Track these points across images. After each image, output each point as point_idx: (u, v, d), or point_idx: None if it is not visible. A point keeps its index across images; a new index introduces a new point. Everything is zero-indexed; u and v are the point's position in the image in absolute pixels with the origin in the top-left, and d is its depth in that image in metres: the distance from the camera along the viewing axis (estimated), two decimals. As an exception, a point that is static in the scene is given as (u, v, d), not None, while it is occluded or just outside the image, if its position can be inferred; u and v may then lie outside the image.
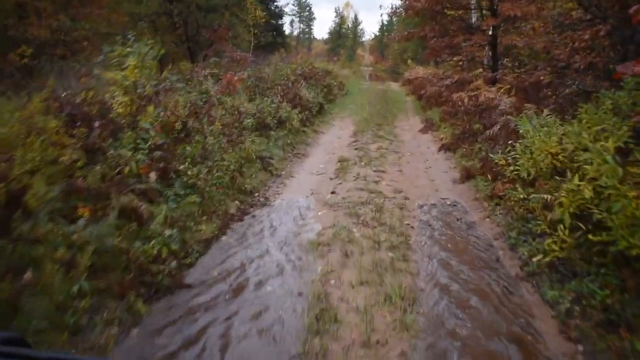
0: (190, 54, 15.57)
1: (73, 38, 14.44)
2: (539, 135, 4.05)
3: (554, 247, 3.56)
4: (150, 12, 13.66)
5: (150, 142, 4.92)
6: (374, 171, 7.04)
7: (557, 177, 3.89)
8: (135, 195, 4.39)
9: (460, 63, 17.00)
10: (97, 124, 4.97)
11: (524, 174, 4.27)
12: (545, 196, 3.81)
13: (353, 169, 7.19)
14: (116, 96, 5.13)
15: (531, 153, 4.05)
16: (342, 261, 4.08)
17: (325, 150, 8.59)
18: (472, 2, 14.67)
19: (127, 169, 4.62)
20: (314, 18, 77.88)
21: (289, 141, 8.61)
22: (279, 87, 11.33)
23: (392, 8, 14.13)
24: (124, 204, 4.04)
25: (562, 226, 3.52)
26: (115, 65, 5.37)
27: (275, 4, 30.47)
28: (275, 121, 8.90)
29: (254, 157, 6.91)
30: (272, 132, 8.45)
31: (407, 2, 13.81)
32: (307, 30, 78.62)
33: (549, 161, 3.83)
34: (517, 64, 18.04)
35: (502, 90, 10.00)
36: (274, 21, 29.55)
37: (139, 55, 5.27)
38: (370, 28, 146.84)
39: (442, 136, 9.50)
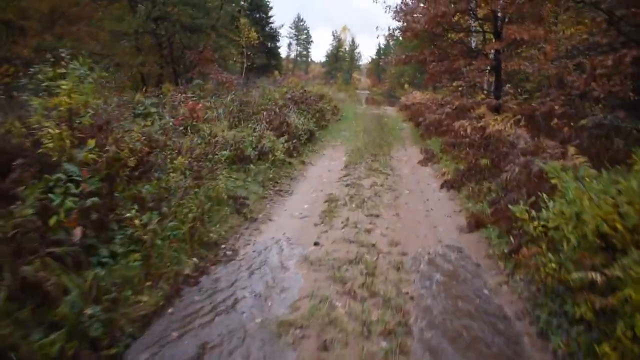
0: (175, 75, 14.70)
1: (57, 57, 13.60)
2: (590, 195, 3.04)
3: (610, 352, 2.56)
4: (132, 30, 12.80)
5: (81, 187, 3.92)
6: (367, 215, 6.03)
7: (608, 249, 2.91)
8: (53, 260, 3.38)
9: (460, 88, 16.26)
10: (19, 162, 3.99)
11: (562, 241, 3.27)
12: (595, 275, 2.81)
13: (342, 211, 6.18)
14: (45, 127, 4.13)
15: (577, 217, 3.04)
16: (319, 357, 3.05)
17: (312, 186, 7.59)
18: (473, 24, 13.96)
19: (52, 221, 3.61)
20: (311, 41, 77.92)
21: (271, 175, 7.61)
22: (265, 113, 10.43)
23: (389, 30, 13.34)
24: (27, 276, 3.03)
25: (622, 324, 2.53)
26: (47, 88, 4.39)
27: (271, 25, 29.80)
28: (257, 152, 7.93)
29: (225, 197, 5.91)
30: (251, 166, 7.46)
31: (406, 24, 13.04)
32: (304, 52, 78.77)
33: (600, 229, 2.84)
34: (519, 90, 17.30)
35: (511, 121, 9.10)
36: (268, 43, 28.94)
37: (77, 78, 4.30)
38: (367, 51, 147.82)
39: (444, 170, 8.55)
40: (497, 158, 7.58)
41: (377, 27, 13.10)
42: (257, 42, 24.77)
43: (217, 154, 6.97)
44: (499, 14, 12.12)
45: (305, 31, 76.11)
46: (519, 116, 9.97)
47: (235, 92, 11.81)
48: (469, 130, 10.62)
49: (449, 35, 13.73)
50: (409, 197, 7.13)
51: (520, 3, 11.54)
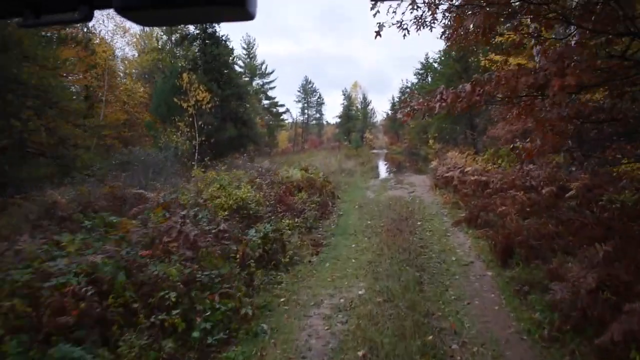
0: None
1: None
2: None
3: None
4: None
5: None
6: None
7: None
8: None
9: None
10: None
11: None
12: None
13: None
14: None
15: None
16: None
17: None
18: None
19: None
20: (322, 103, 70.40)
21: None
22: None
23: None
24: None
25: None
26: None
27: (236, 81, 21.18)
28: None
29: None
30: None
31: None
32: (318, 116, 71.00)
33: None
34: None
35: None
36: (238, 104, 20.13)
37: None
38: (382, 108, 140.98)
39: None
40: None
41: (378, 24, 3.20)
42: (209, 105, 16.17)
43: None
44: None
45: (314, 93, 68.86)
46: None
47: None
48: None
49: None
50: None
51: None
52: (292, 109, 71.30)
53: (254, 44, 50.98)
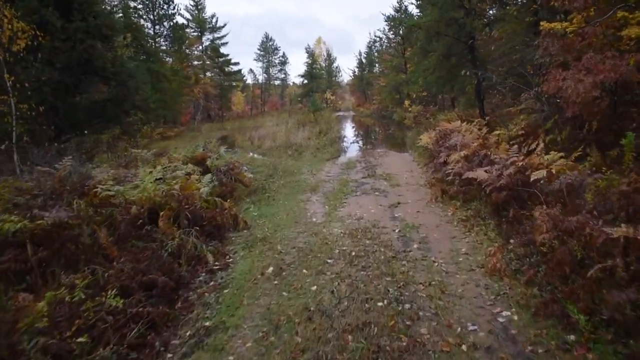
0: None
1: None
2: None
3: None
4: None
5: None
6: None
7: None
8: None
9: None
10: None
11: None
12: None
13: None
14: None
15: None
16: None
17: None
18: None
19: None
20: (285, 62, 61.60)
21: None
22: None
23: None
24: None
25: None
26: None
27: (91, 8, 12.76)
28: None
29: None
30: None
31: None
32: (282, 76, 62.29)
33: None
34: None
35: None
36: (102, 46, 11.72)
37: None
38: (348, 66, 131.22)
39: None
40: None
41: None
42: (21, 43, 8.38)
43: None
44: None
45: (275, 51, 59.96)
46: None
47: None
48: None
49: None
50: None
51: None
52: (254, 69, 61.71)
53: (203, -7, 42.23)
